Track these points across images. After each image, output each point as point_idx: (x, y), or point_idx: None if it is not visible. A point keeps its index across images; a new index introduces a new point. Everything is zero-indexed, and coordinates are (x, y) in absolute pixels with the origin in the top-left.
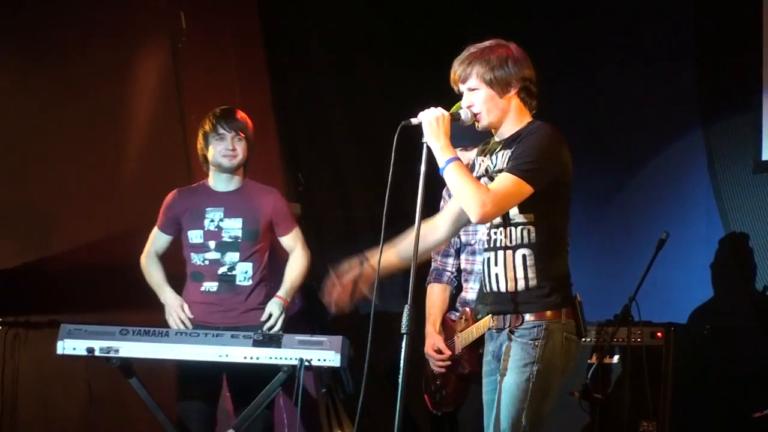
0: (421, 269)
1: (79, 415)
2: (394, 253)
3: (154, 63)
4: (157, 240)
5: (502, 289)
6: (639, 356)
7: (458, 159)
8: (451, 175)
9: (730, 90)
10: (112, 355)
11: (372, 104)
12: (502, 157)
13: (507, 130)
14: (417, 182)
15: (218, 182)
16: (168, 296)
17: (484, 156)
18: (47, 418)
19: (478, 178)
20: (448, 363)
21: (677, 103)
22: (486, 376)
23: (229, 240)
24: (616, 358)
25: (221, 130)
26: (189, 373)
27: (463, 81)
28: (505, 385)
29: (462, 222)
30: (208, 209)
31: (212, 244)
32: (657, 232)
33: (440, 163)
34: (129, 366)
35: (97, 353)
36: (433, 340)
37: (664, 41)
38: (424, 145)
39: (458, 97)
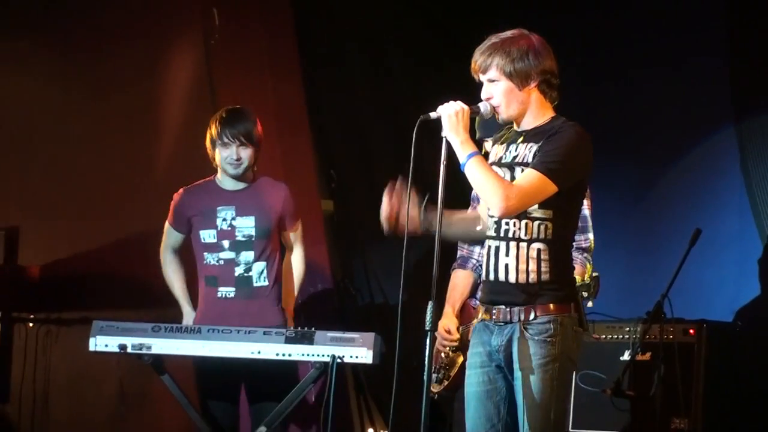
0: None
1: (111, 412)
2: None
3: (187, 60)
4: (170, 236)
5: (512, 280)
6: (671, 353)
7: (479, 153)
8: (473, 169)
9: (763, 87)
10: (144, 351)
11: (405, 100)
12: (525, 149)
13: (528, 122)
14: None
15: (227, 181)
16: (186, 316)
17: (501, 144)
18: (79, 415)
19: (491, 164)
20: (455, 344)
21: (710, 100)
22: (476, 367)
23: (243, 239)
24: (648, 355)
25: (225, 139)
26: (209, 374)
27: (484, 71)
28: (529, 386)
29: None
30: (219, 208)
31: (226, 243)
32: (689, 229)
33: (461, 158)
34: (161, 363)
35: (129, 350)
36: (447, 320)
37: (698, 38)
38: (444, 139)
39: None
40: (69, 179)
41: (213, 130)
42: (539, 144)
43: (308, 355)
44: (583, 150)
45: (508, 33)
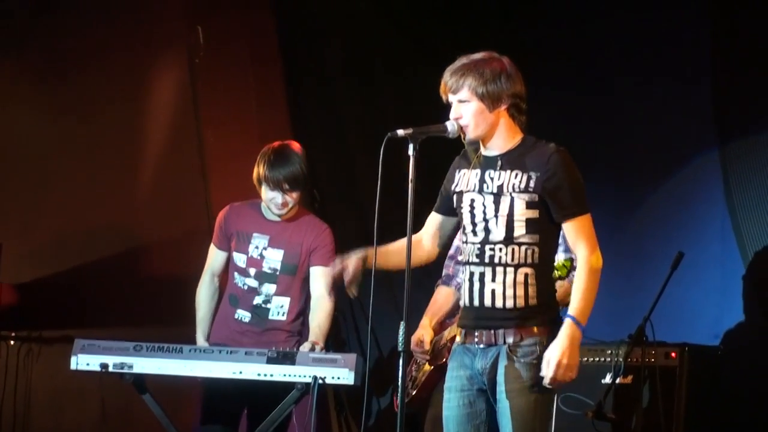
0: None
1: (92, 431)
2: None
3: (171, 78)
4: (214, 259)
5: (498, 305)
6: (653, 376)
7: (572, 320)
8: (585, 314)
9: (746, 109)
10: (125, 371)
11: (390, 120)
12: (511, 177)
13: (498, 145)
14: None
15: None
16: (198, 341)
17: (470, 169)
18: None
19: (461, 192)
20: (426, 357)
21: (693, 121)
22: (456, 390)
23: (269, 271)
24: (630, 378)
25: (270, 184)
26: (213, 397)
27: (454, 92)
28: (515, 408)
29: (445, 236)
30: (255, 234)
31: (252, 271)
32: (672, 251)
33: (580, 334)
34: (142, 382)
35: (110, 369)
36: (422, 331)
37: (681, 59)
38: (411, 157)
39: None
40: (51, 197)
41: (260, 170)
42: (527, 173)
43: (290, 375)
44: (579, 172)
45: (479, 55)
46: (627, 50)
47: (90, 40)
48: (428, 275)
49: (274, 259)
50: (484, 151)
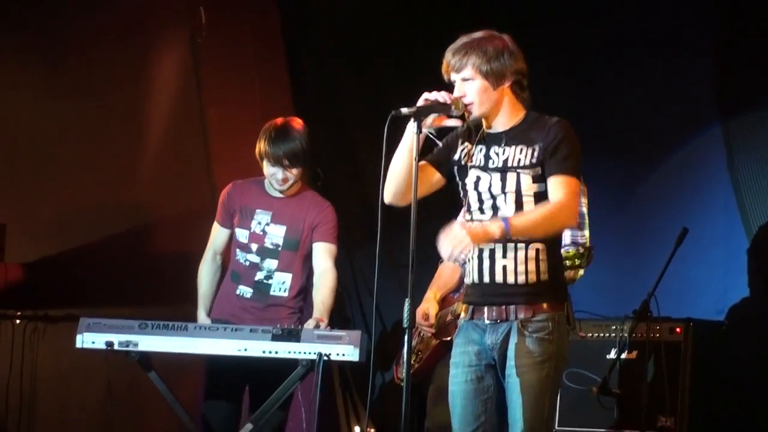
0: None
1: (98, 409)
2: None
3: (173, 58)
4: (217, 236)
5: (510, 281)
6: (658, 352)
7: (505, 219)
8: (520, 228)
9: (749, 85)
10: (131, 348)
11: (390, 98)
12: (515, 152)
13: (502, 122)
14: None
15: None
16: (200, 317)
17: (472, 144)
18: (66, 412)
19: (465, 167)
20: (431, 331)
21: (696, 97)
22: (464, 366)
23: (271, 247)
24: (634, 354)
25: (271, 159)
26: (216, 373)
27: (458, 70)
28: (526, 383)
29: (427, 184)
30: (258, 210)
31: (254, 246)
32: (676, 227)
33: (500, 234)
34: (148, 360)
35: (116, 347)
36: (427, 304)
37: (683, 35)
38: (415, 136)
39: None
40: (55, 176)
41: (261, 146)
42: (531, 146)
43: (295, 352)
44: (579, 144)
45: (480, 33)
46: (629, 27)
47: (92, 21)
48: (436, 253)
49: (276, 234)
50: (488, 130)
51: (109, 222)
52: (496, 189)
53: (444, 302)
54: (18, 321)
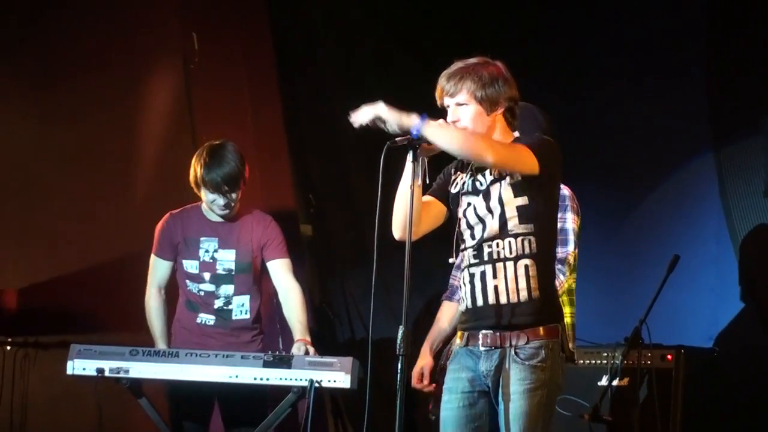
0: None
1: None
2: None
3: (166, 84)
4: (157, 270)
5: (503, 301)
6: (649, 379)
7: (422, 117)
8: (434, 126)
9: (741, 112)
10: (122, 375)
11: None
12: (496, 174)
13: None
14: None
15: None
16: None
17: (464, 173)
18: None
19: (458, 194)
20: (431, 388)
21: (688, 124)
22: (457, 392)
23: (223, 272)
24: (626, 381)
25: (209, 187)
26: (181, 395)
27: (452, 95)
28: (517, 411)
29: (431, 218)
30: (202, 239)
31: (207, 275)
32: (667, 254)
33: (413, 126)
34: (139, 386)
35: (107, 374)
36: (421, 363)
37: (676, 62)
38: (409, 164)
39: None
40: (46, 202)
41: (197, 172)
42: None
43: (286, 379)
44: (555, 149)
45: (475, 59)
46: (621, 52)
47: (84, 46)
48: (429, 280)
49: (227, 259)
50: None
51: (101, 248)
52: (481, 209)
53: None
54: (9, 347)
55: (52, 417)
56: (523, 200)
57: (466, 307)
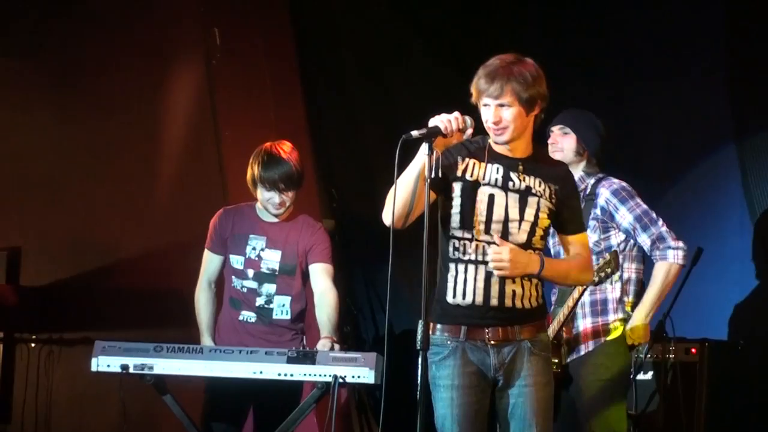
0: None
1: None
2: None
3: (188, 80)
4: (210, 263)
5: (518, 305)
6: (674, 372)
7: (540, 259)
8: (551, 270)
9: (763, 104)
10: (146, 372)
11: (406, 118)
12: (537, 185)
13: (521, 148)
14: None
15: (265, 211)
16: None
17: (484, 162)
18: None
19: (476, 182)
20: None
21: (711, 118)
22: (467, 387)
23: (267, 272)
24: (650, 374)
25: (266, 185)
26: (215, 395)
27: (496, 97)
28: (541, 400)
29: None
30: (251, 236)
31: (250, 272)
32: (691, 247)
33: (536, 272)
34: (163, 383)
35: (131, 370)
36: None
37: (697, 56)
38: (426, 157)
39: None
40: (70, 200)
41: (254, 171)
42: (548, 184)
43: (310, 375)
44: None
45: (511, 57)
46: (642, 47)
47: (106, 43)
48: None
49: (272, 259)
50: (499, 149)
51: (124, 244)
52: (514, 213)
53: None
54: (33, 344)
55: (76, 414)
56: (548, 222)
57: (472, 302)
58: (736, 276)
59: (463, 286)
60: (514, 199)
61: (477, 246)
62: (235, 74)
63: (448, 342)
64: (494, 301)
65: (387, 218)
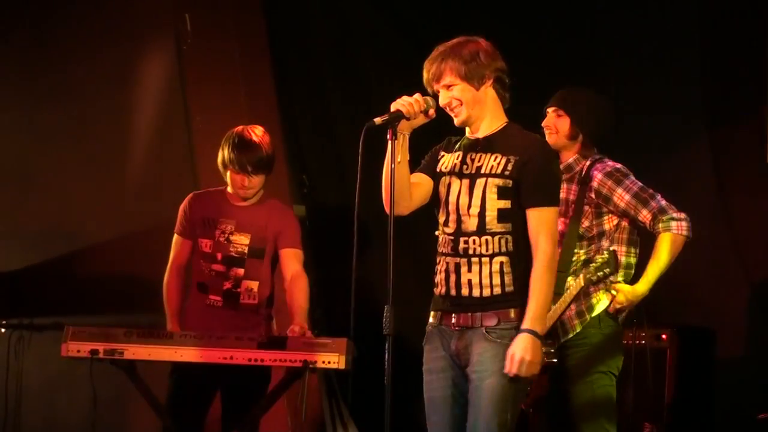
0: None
1: (84, 417)
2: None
3: (158, 65)
4: (179, 248)
5: (475, 294)
6: (643, 358)
7: (529, 330)
8: (541, 324)
9: (735, 96)
10: (116, 357)
11: (377, 104)
12: (490, 160)
13: (485, 125)
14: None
15: (235, 194)
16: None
17: (452, 152)
18: (51, 421)
19: (441, 174)
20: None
21: (683, 107)
22: (438, 371)
23: (236, 255)
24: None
25: (236, 167)
26: (181, 379)
27: (438, 79)
28: (488, 387)
29: (422, 195)
30: (220, 220)
31: (219, 256)
32: None
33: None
34: (134, 368)
35: (101, 355)
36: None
37: (670, 49)
38: (389, 142)
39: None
40: (39, 185)
41: (225, 154)
42: (507, 156)
43: (281, 360)
44: (560, 171)
45: (453, 40)
46: (616, 41)
47: (75, 28)
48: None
49: (241, 243)
50: (468, 135)
51: (95, 228)
52: (464, 199)
53: None
54: (3, 330)
55: (47, 399)
56: (505, 204)
57: (441, 293)
58: (706, 263)
59: (438, 277)
60: (465, 185)
61: (444, 239)
62: (206, 59)
63: (429, 328)
64: (453, 292)
65: (386, 207)
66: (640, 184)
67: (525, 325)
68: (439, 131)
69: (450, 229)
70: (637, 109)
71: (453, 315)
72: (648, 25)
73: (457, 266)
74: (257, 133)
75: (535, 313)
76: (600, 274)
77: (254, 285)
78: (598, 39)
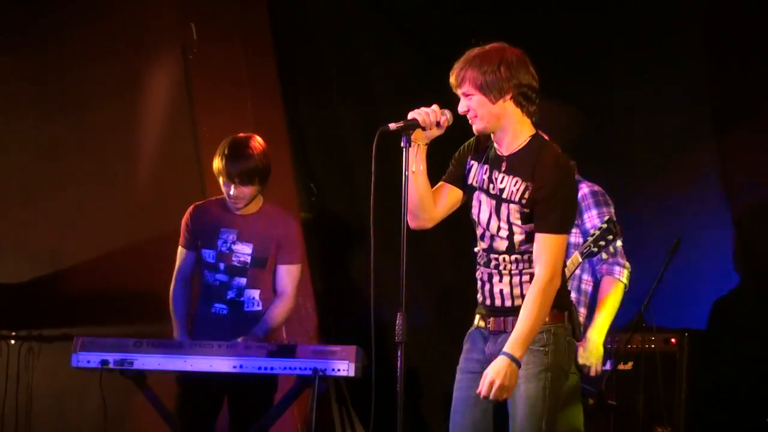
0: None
1: (94, 427)
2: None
3: (165, 74)
4: (183, 260)
5: (507, 304)
6: (653, 362)
7: (506, 354)
8: (523, 350)
9: (741, 96)
10: (126, 367)
11: (385, 112)
12: (510, 185)
13: (508, 140)
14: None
15: None
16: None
17: (482, 164)
18: (62, 431)
19: (472, 186)
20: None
21: (690, 108)
22: (468, 372)
23: (238, 265)
24: (630, 364)
25: (225, 177)
26: (189, 388)
27: (458, 86)
28: (524, 393)
29: (449, 205)
30: (222, 229)
31: (222, 266)
32: (670, 238)
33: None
34: (143, 378)
35: (111, 366)
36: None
37: (676, 47)
38: (404, 150)
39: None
40: (48, 195)
41: (215, 162)
42: (526, 182)
43: (290, 368)
44: (575, 190)
45: (487, 46)
46: (621, 38)
47: (83, 38)
48: (434, 266)
49: (243, 252)
50: (496, 146)
51: (103, 239)
52: (493, 224)
53: None
54: (13, 341)
55: (57, 410)
56: (530, 227)
57: (479, 299)
58: (714, 266)
59: (478, 284)
60: (492, 206)
61: (480, 252)
62: (212, 69)
63: (471, 329)
64: (487, 301)
65: (410, 222)
66: (614, 219)
67: (506, 348)
68: (456, 139)
69: (483, 246)
70: (643, 110)
71: (489, 319)
72: (653, 25)
73: (490, 276)
74: (250, 143)
75: (520, 337)
76: (602, 243)
77: (256, 294)
78: (601, 39)
